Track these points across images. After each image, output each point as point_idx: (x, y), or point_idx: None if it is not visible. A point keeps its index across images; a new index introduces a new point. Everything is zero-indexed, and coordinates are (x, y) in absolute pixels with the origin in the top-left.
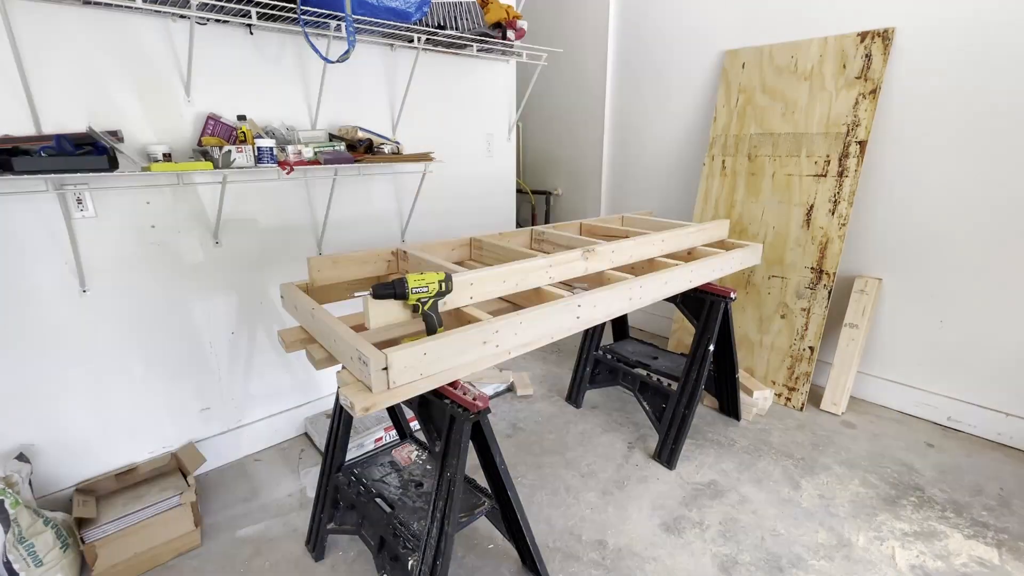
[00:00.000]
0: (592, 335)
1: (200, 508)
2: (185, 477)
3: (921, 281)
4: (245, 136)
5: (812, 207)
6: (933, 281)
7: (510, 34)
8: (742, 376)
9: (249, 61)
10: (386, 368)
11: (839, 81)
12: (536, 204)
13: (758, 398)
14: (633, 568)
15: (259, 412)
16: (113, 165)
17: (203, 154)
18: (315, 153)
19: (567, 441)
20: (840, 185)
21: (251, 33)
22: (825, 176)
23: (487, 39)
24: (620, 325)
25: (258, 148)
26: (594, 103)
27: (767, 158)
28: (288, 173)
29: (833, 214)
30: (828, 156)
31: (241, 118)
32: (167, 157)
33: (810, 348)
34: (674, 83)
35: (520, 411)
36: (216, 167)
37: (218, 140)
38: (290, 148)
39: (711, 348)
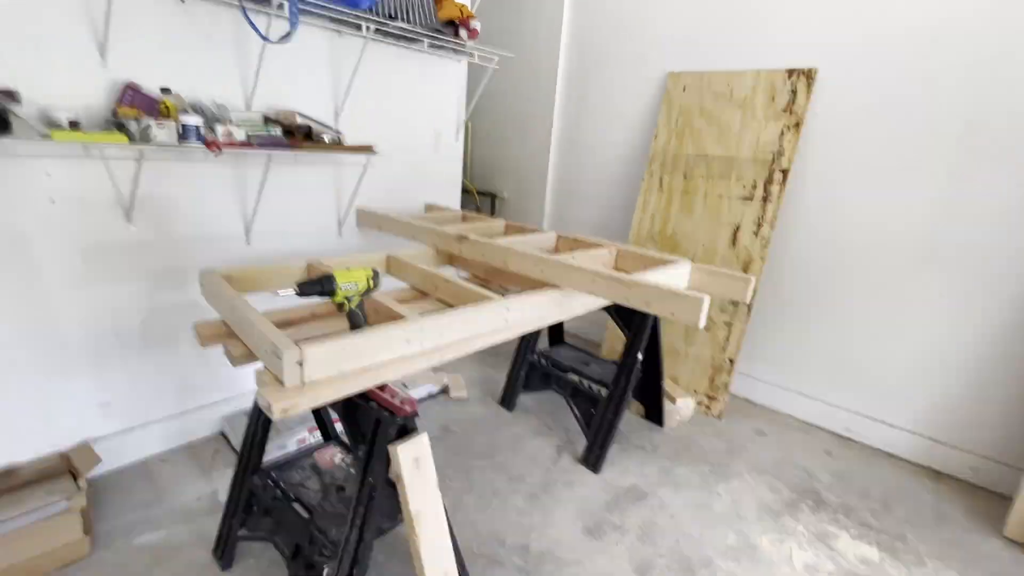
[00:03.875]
0: (528, 339)
1: (93, 514)
2: (76, 479)
3: (832, 301)
4: (168, 110)
5: (739, 228)
6: (842, 302)
7: (463, 33)
8: (667, 384)
9: (178, 30)
10: (301, 362)
11: (768, 112)
12: (482, 205)
13: (681, 406)
14: (553, 572)
15: (170, 408)
16: (5, 129)
17: (118, 126)
18: (248, 136)
19: (498, 445)
20: (764, 209)
21: (182, 0)
22: (752, 199)
23: (439, 35)
24: (556, 330)
25: (183, 125)
26: (543, 111)
27: (701, 178)
28: (216, 155)
29: (757, 235)
30: (755, 181)
31: (165, 91)
32: (74, 125)
33: (730, 360)
34: (620, 99)
35: (453, 414)
36: (132, 141)
37: (136, 112)
38: (219, 128)
39: (640, 357)
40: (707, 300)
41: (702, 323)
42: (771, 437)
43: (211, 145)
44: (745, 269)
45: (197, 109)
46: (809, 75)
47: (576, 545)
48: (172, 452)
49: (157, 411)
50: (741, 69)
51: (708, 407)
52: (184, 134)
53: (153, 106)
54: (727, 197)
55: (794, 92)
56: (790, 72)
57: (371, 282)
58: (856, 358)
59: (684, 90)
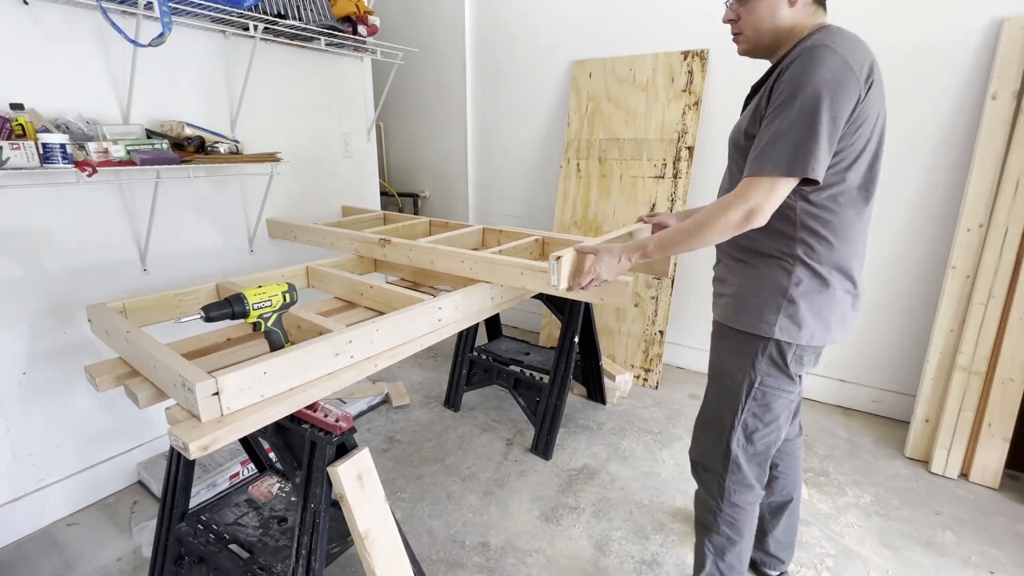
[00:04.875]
0: (466, 337)
1: None
2: None
3: None
4: (24, 130)
5: (654, 206)
6: None
7: (361, 29)
8: (605, 363)
9: (26, 38)
10: (217, 393)
11: (669, 93)
12: (403, 207)
13: (620, 382)
14: (516, 564)
15: (71, 466)
16: None
17: None
18: (128, 152)
19: (447, 447)
20: (676, 185)
21: (25, 2)
22: (663, 178)
23: (336, 33)
24: (493, 324)
25: (43, 145)
26: (456, 106)
27: (615, 161)
28: (90, 176)
29: (672, 211)
30: (664, 160)
31: (16, 107)
32: None
33: (660, 332)
34: (531, 89)
35: (397, 422)
36: None
37: None
38: (92, 146)
39: (576, 340)
40: (631, 282)
41: (629, 304)
42: None
43: (82, 165)
44: None
45: (61, 126)
46: (702, 56)
47: (535, 533)
48: (81, 513)
49: (55, 471)
50: (641, 53)
51: (645, 379)
52: (47, 155)
53: (4, 125)
54: (641, 177)
55: (691, 73)
56: (685, 54)
57: (287, 297)
58: None
59: (590, 76)
